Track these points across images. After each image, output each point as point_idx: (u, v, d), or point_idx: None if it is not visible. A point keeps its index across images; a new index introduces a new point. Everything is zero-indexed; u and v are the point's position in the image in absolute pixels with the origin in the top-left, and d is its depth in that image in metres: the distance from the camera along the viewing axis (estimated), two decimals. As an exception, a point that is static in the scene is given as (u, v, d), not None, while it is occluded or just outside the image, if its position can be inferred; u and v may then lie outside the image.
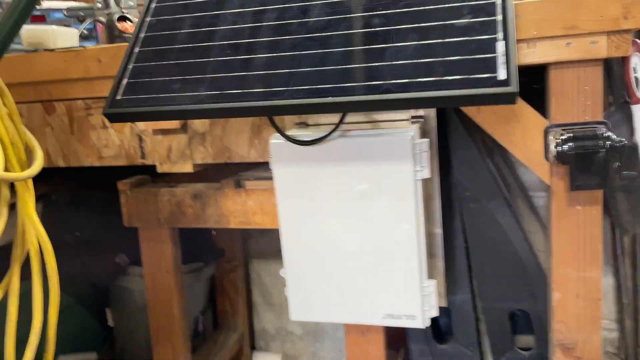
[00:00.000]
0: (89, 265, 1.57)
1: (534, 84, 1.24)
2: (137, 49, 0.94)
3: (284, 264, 1.15)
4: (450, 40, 0.78)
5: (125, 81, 0.90)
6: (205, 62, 0.88)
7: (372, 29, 0.83)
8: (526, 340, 1.59)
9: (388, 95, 0.75)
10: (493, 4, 0.80)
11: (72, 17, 1.57)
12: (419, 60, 0.77)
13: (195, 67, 0.88)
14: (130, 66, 0.92)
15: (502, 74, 0.73)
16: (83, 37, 1.64)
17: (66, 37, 1.40)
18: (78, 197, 1.55)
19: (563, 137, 1.03)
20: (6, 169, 0.78)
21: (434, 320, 1.20)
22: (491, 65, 0.74)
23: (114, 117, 0.88)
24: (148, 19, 0.97)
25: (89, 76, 1.34)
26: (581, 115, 1.12)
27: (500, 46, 0.75)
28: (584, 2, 1.02)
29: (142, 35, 0.96)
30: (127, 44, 1.30)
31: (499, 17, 0.78)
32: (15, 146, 0.82)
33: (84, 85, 1.37)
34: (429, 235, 1.20)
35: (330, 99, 0.78)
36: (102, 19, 1.55)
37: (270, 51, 0.86)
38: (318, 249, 1.09)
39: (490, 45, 0.76)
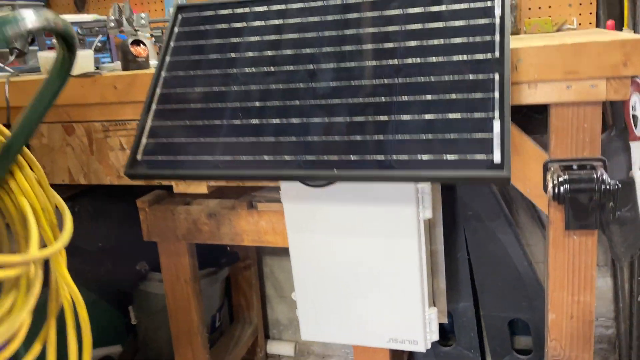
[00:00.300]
0: (112, 272, 1.67)
1: (536, 113, 1.27)
2: (154, 106, 0.99)
3: (295, 289, 1.23)
4: (449, 117, 0.82)
5: (144, 140, 0.96)
6: (219, 126, 0.93)
7: (375, 99, 0.87)
8: (525, 341, 1.68)
9: (390, 172, 0.81)
10: (492, 80, 0.83)
11: (86, 32, 1.61)
12: (419, 136, 0.82)
13: (209, 130, 0.93)
14: (148, 125, 0.97)
15: (497, 157, 0.78)
16: (97, 50, 1.68)
17: (82, 60, 1.44)
18: (99, 209, 1.63)
19: (560, 180, 1.07)
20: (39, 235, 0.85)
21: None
22: (487, 146, 0.78)
23: (135, 177, 0.94)
24: (164, 73, 1.02)
25: (106, 101, 1.40)
26: (580, 151, 1.16)
27: (496, 126, 0.80)
28: (585, 49, 1.05)
29: (158, 91, 1.00)
30: (141, 71, 1.35)
31: (496, 95, 0.82)
32: (46, 211, 0.89)
33: (101, 109, 1.42)
34: (431, 253, 1.27)
35: (336, 172, 0.83)
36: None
37: (279, 117, 0.91)
38: (326, 277, 1.17)
39: (486, 124, 0.80)
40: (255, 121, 0.92)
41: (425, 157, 0.81)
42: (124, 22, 1.52)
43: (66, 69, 0.75)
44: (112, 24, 1.54)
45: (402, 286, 1.13)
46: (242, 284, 1.99)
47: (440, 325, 1.69)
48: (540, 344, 1.51)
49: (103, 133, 1.46)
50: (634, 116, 1.19)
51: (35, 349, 0.91)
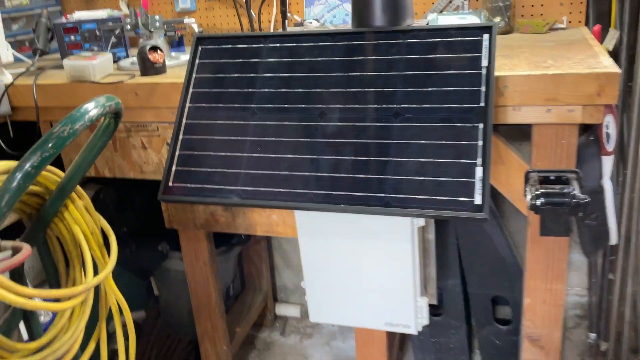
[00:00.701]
0: (136, 253, 1.84)
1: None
2: (181, 136, 1.12)
3: (304, 278, 1.40)
4: (440, 161, 0.96)
5: (174, 168, 1.10)
6: (240, 157, 1.07)
7: (377, 141, 1.00)
8: (505, 311, 1.89)
9: (389, 209, 0.96)
10: (477, 128, 0.96)
11: (105, 34, 1.70)
12: (414, 178, 0.96)
13: (231, 161, 1.07)
14: (177, 154, 1.11)
15: (478, 199, 0.92)
16: (113, 45, 1.78)
17: (103, 64, 1.55)
18: (123, 198, 1.78)
19: (537, 193, 1.22)
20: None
21: None
22: (470, 190, 0.93)
23: (168, 202, 1.09)
24: (188, 104, 1.14)
25: (128, 106, 1.50)
26: (557, 163, 1.30)
27: (479, 172, 0.94)
28: (564, 80, 1.17)
29: (184, 121, 1.13)
30: (160, 79, 1.46)
31: (480, 143, 0.96)
32: (94, 234, 1.05)
33: (123, 112, 1.54)
34: (424, 241, 1.43)
35: (342, 207, 0.98)
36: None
37: (293, 152, 1.04)
38: (331, 271, 1.34)
39: (471, 170, 0.94)
40: (272, 155, 1.05)
41: (418, 196, 0.95)
42: (140, 25, 1.61)
43: (111, 131, 0.88)
44: (129, 27, 1.63)
45: (397, 280, 1.30)
46: (253, 256, 2.18)
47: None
48: (518, 317, 1.71)
49: (126, 133, 1.59)
50: (607, 134, 1.32)
51: (90, 347, 1.09)
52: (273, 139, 1.07)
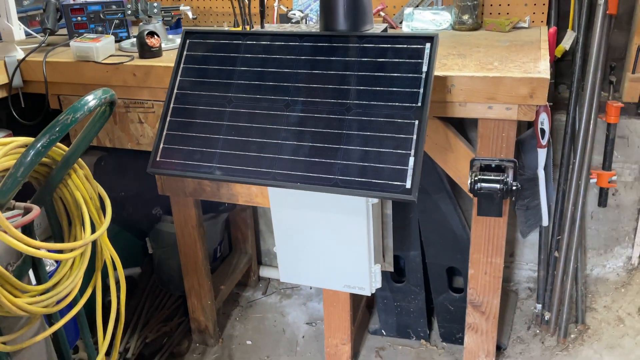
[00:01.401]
0: (133, 215, 2.05)
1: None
2: (169, 118, 1.31)
3: (276, 244, 1.60)
4: (380, 150, 1.15)
5: (161, 145, 1.29)
6: (216, 139, 1.26)
7: (330, 130, 1.19)
8: (460, 281, 2.10)
9: (337, 189, 1.15)
10: (413, 124, 1.15)
11: (109, 17, 1.87)
12: (359, 163, 1.15)
13: (209, 142, 1.26)
14: (164, 133, 1.30)
15: (408, 184, 1.11)
16: (116, 27, 1.95)
17: (106, 46, 1.73)
18: (121, 165, 1.98)
19: (475, 178, 1.41)
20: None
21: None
22: (403, 176, 1.12)
23: (155, 173, 1.29)
24: (176, 91, 1.32)
25: (127, 85, 1.70)
26: (498, 153, 1.49)
27: (411, 161, 1.12)
28: (502, 82, 1.34)
29: (172, 105, 1.32)
30: (156, 62, 1.64)
31: (415, 137, 1.14)
32: (93, 199, 1.24)
33: (123, 90, 1.73)
34: (383, 216, 1.62)
35: (298, 184, 1.18)
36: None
37: (261, 136, 1.23)
38: (299, 237, 1.53)
39: (405, 159, 1.13)
40: (243, 138, 1.24)
41: (361, 179, 1.14)
42: (140, 10, 1.78)
43: (107, 116, 1.07)
44: (129, 12, 1.80)
45: (354, 249, 1.50)
46: (240, 222, 2.39)
47: (396, 267, 2.10)
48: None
49: (124, 108, 1.78)
50: (542, 130, 1.50)
51: (88, 292, 1.31)
52: (245, 124, 1.26)
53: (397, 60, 1.20)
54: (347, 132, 1.19)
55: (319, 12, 1.34)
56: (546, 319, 2.05)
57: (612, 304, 2.04)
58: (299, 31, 1.33)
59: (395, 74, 1.20)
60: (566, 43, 1.85)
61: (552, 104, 1.84)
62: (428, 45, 1.20)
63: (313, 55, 1.27)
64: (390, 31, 1.95)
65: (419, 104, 1.16)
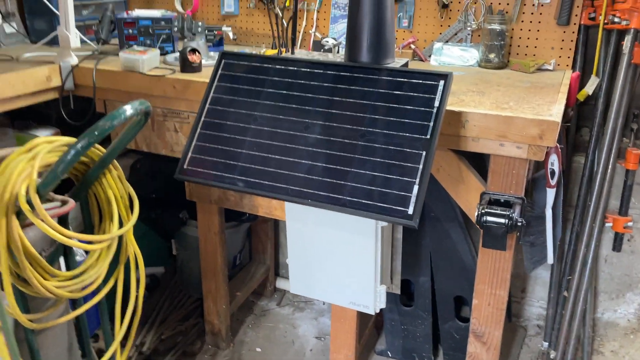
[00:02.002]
0: (161, 216, 2.18)
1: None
2: (199, 130, 1.42)
3: (288, 256, 1.69)
4: (388, 177, 1.23)
5: (189, 155, 1.41)
6: (239, 153, 1.36)
7: (343, 154, 1.28)
8: (467, 311, 2.13)
9: (345, 209, 1.24)
10: (421, 154, 1.22)
11: (158, 32, 2.02)
12: (367, 187, 1.23)
13: (233, 155, 1.36)
14: (194, 143, 1.41)
15: (410, 210, 1.19)
16: (163, 41, 2.10)
17: (151, 59, 1.87)
18: (154, 169, 2.11)
19: (482, 211, 1.47)
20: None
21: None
22: (407, 202, 1.19)
23: (182, 180, 1.40)
24: (208, 105, 1.44)
25: (167, 95, 1.84)
26: (507, 189, 1.54)
27: (415, 189, 1.20)
28: (513, 122, 1.41)
29: (203, 118, 1.43)
30: (195, 76, 1.77)
31: (421, 167, 1.21)
32: (123, 198, 1.36)
33: (162, 100, 1.86)
34: (393, 240, 1.69)
35: (311, 202, 1.27)
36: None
37: (280, 154, 1.33)
38: (310, 252, 1.62)
39: (410, 186, 1.20)
40: (264, 154, 1.34)
41: (367, 202, 1.22)
42: (185, 29, 1.93)
43: (141, 124, 1.19)
44: (176, 29, 1.95)
45: (361, 268, 1.57)
46: (260, 233, 2.49)
47: (406, 291, 2.16)
48: (475, 317, 1.95)
49: (162, 117, 1.91)
50: (552, 170, 1.55)
51: (110, 283, 1.42)
52: (267, 141, 1.36)
53: (412, 93, 1.29)
54: (359, 157, 1.28)
55: (346, 43, 1.45)
56: (552, 357, 2.07)
57: (619, 349, 2.04)
58: (324, 60, 1.43)
59: (409, 107, 1.28)
60: (589, 88, 1.90)
61: (562, 146, 1.88)
62: (442, 82, 1.28)
63: (335, 83, 1.36)
64: (418, 64, 2.05)
65: (428, 136, 1.24)
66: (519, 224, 1.45)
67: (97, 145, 1.27)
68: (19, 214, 1.10)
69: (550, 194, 1.58)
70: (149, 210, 2.17)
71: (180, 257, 2.36)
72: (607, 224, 1.96)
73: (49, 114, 2.16)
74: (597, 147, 1.93)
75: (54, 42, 1.98)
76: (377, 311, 1.66)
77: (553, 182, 1.56)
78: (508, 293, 1.68)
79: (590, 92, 1.89)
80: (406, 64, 1.44)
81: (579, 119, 2.04)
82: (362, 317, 2.04)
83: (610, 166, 1.89)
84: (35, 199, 1.06)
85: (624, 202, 1.96)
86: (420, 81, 1.30)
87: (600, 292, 2.14)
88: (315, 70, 1.39)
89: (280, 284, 2.63)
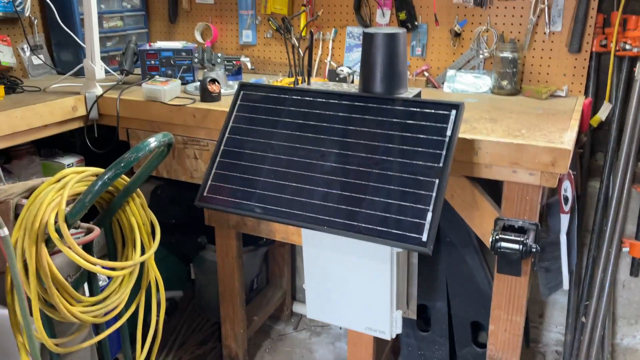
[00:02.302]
0: (180, 241, 2.23)
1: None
2: (218, 158, 1.47)
3: (305, 281, 1.72)
4: (402, 204, 1.26)
5: (209, 183, 1.45)
6: (257, 180, 1.40)
7: (358, 181, 1.31)
8: (485, 336, 2.13)
9: (360, 235, 1.27)
10: (434, 182, 1.26)
11: (178, 58, 2.09)
12: (381, 214, 1.27)
13: (251, 183, 1.41)
14: (213, 171, 1.46)
15: (424, 237, 1.21)
16: (184, 71, 2.17)
17: (172, 89, 1.94)
18: (175, 195, 2.16)
19: (496, 237, 1.49)
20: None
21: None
22: (420, 229, 1.22)
23: (202, 207, 1.45)
24: (227, 135, 1.49)
25: (187, 124, 1.90)
26: (521, 215, 1.56)
27: (429, 216, 1.23)
28: (526, 149, 1.43)
29: (222, 147, 1.48)
30: (214, 105, 1.83)
31: (434, 194, 1.24)
32: (145, 225, 1.41)
33: (182, 128, 1.92)
34: (409, 265, 1.71)
35: (327, 229, 1.30)
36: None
37: (297, 181, 1.37)
38: (327, 278, 1.65)
39: (423, 213, 1.23)
40: (281, 182, 1.38)
41: (381, 228, 1.25)
42: (205, 60, 1.99)
43: (164, 155, 1.24)
44: (196, 60, 2.02)
45: (377, 293, 1.59)
46: (278, 257, 2.52)
47: (423, 316, 2.16)
48: (492, 342, 1.95)
49: (183, 145, 1.97)
50: (565, 197, 1.56)
51: (132, 307, 1.46)
52: (284, 169, 1.40)
53: (424, 123, 1.32)
54: (373, 184, 1.31)
55: (361, 73, 1.49)
56: (570, 384, 2.05)
57: (640, 376, 2.02)
58: (339, 90, 1.48)
59: (422, 136, 1.31)
60: (602, 114, 1.91)
61: (575, 172, 1.90)
62: (454, 112, 1.31)
63: (349, 112, 1.41)
64: (432, 91, 2.08)
65: (441, 165, 1.27)
66: (533, 249, 1.47)
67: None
68: (48, 241, 1.15)
69: (565, 219, 1.59)
70: (168, 235, 2.22)
71: (199, 281, 2.40)
72: (624, 249, 1.96)
73: (74, 142, 2.23)
74: (612, 172, 1.94)
75: (80, 73, 2.07)
76: (393, 337, 1.67)
77: (567, 208, 1.57)
78: (524, 319, 1.68)
79: (604, 118, 1.91)
80: (419, 94, 1.48)
81: (593, 144, 2.06)
82: (378, 342, 2.04)
83: (625, 191, 1.89)
84: (64, 228, 1.11)
85: (641, 226, 1.96)
86: (433, 111, 1.33)
87: (618, 317, 2.13)
88: (330, 101, 1.44)
89: (297, 308, 2.65)
